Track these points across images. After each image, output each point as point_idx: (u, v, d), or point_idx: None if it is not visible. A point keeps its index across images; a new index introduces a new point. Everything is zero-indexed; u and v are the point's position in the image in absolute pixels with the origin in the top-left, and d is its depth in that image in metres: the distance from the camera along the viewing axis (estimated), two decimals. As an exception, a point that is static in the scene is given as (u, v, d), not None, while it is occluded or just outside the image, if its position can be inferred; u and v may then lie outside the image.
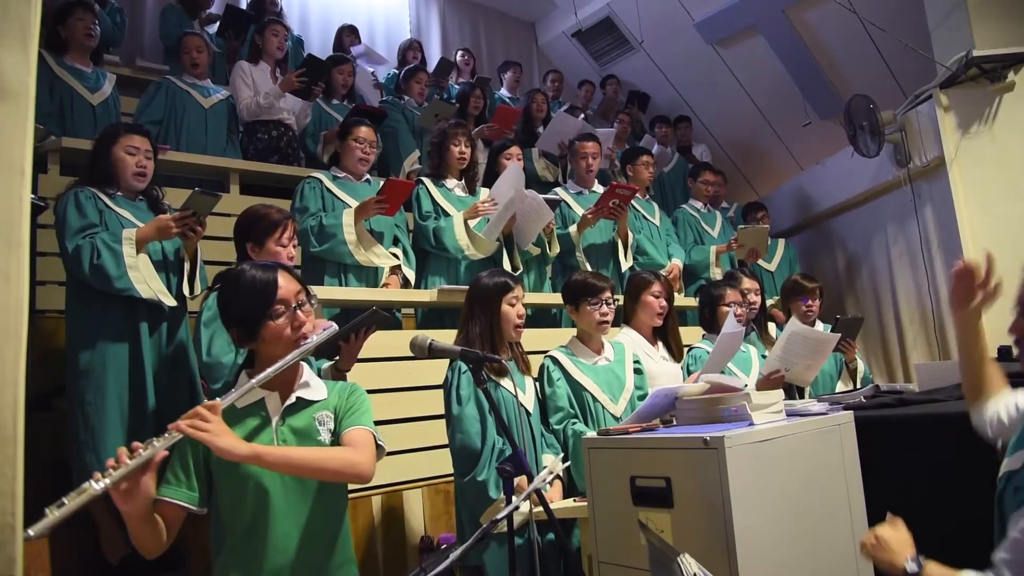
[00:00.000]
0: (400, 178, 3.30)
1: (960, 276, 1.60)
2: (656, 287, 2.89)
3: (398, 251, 3.39)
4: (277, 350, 1.56)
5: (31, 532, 1.17)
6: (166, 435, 1.35)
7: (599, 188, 4.19)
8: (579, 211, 4.08)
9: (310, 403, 1.63)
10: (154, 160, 2.70)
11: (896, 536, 1.47)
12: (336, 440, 1.62)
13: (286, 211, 2.45)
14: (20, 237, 1.97)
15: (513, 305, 2.35)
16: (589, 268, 3.79)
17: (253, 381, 1.49)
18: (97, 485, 1.25)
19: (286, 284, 1.59)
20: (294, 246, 2.42)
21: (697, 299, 3.52)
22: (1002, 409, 1.56)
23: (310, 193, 3.27)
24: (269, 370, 1.50)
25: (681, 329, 3.10)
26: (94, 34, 3.90)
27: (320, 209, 3.25)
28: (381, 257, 3.27)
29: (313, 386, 1.65)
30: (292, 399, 1.61)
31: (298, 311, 1.59)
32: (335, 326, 1.68)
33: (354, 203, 3.29)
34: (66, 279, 2.61)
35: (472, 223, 3.46)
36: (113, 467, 1.30)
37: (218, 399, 1.44)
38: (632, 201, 4.18)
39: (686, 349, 3.11)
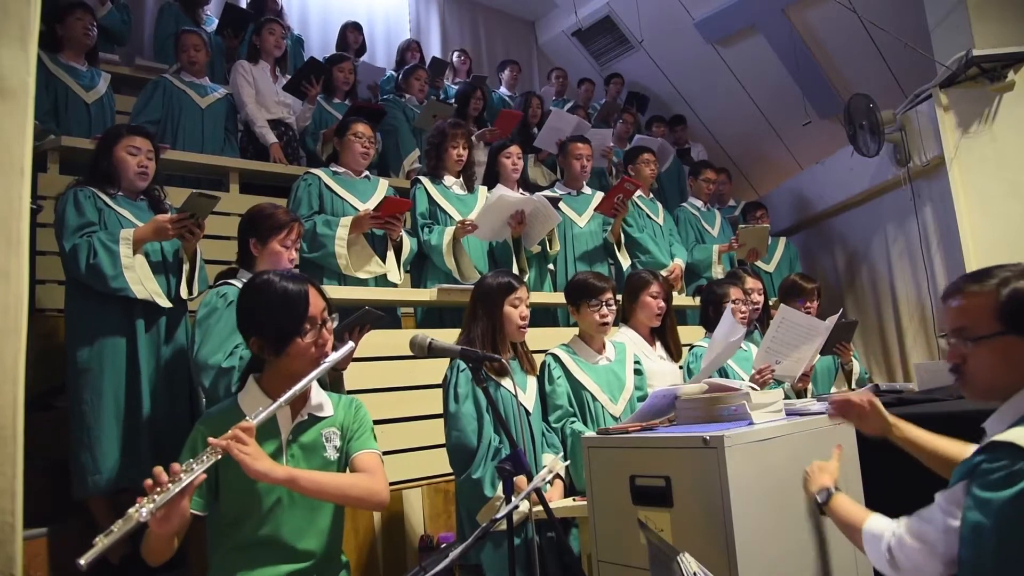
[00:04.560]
0: (397, 196, 3.27)
1: (840, 409, 1.71)
2: (655, 287, 2.89)
3: (392, 257, 3.33)
4: (296, 365, 1.57)
5: (82, 561, 1.20)
6: (204, 456, 1.36)
7: (588, 190, 4.22)
8: (568, 212, 4.08)
9: (318, 419, 1.65)
10: (156, 160, 2.71)
11: (821, 466, 1.60)
12: (342, 456, 1.65)
13: (294, 213, 2.45)
14: (20, 235, 1.98)
15: (516, 306, 2.35)
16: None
17: (280, 401, 1.47)
18: (142, 512, 1.27)
19: (315, 300, 1.59)
20: (296, 249, 2.42)
21: (698, 298, 3.52)
22: None
23: (304, 193, 3.24)
24: (293, 390, 1.49)
25: (680, 328, 3.09)
26: (92, 34, 3.91)
27: (313, 210, 3.21)
28: (375, 269, 3.24)
29: (322, 404, 1.67)
30: (303, 416, 1.63)
31: (323, 329, 1.59)
32: (352, 344, 1.70)
33: (353, 200, 3.29)
34: (65, 277, 2.60)
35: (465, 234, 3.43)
36: (154, 490, 1.30)
37: (250, 419, 1.44)
38: (637, 200, 4.18)
39: (686, 348, 3.10)
